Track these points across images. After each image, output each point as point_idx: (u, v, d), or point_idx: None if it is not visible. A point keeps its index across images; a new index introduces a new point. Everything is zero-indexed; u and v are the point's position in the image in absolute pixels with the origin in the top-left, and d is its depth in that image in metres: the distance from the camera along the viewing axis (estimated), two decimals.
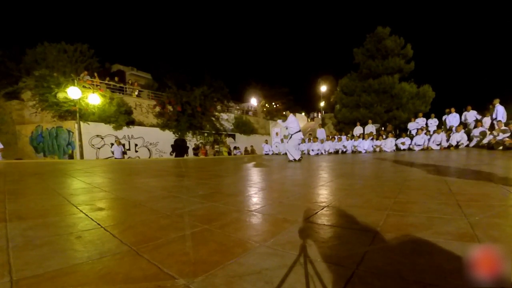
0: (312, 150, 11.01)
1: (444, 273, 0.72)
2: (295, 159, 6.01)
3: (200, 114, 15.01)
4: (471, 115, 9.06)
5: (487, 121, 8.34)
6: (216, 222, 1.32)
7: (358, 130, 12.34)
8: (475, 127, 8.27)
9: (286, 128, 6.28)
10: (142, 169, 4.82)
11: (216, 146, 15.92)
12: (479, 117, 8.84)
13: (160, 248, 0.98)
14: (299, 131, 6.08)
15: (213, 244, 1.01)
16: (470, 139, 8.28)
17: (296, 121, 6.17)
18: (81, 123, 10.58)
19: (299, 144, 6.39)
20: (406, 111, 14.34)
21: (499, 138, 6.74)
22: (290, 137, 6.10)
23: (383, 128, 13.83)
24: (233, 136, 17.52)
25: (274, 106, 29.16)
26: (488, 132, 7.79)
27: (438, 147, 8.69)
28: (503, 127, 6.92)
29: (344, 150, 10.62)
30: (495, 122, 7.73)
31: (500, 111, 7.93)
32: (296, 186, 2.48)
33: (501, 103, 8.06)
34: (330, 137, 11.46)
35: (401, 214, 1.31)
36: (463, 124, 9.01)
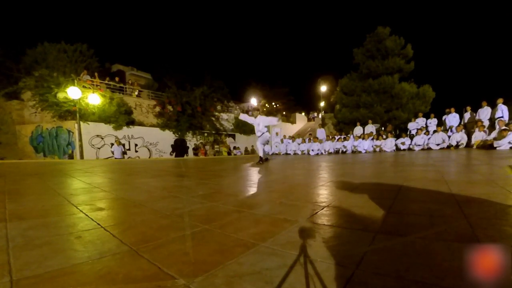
0: (312, 150, 11.02)
1: (444, 273, 0.72)
2: (261, 158, 5.84)
3: (200, 114, 15.01)
4: (484, 112, 8.65)
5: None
6: (216, 222, 1.32)
7: (358, 130, 12.35)
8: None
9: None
10: (142, 169, 4.82)
11: (216, 146, 15.93)
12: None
13: (160, 248, 0.98)
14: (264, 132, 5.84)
15: (213, 244, 1.01)
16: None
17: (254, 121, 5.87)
18: (81, 123, 10.58)
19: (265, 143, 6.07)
20: (406, 111, 14.33)
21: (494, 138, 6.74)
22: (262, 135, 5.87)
23: (383, 128, 13.83)
24: (233, 136, 17.52)
25: (274, 106, 29.16)
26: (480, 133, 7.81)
27: (438, 147, 8.69)
28: (504, 127, 6.93)
29: (344, 150, 10.62)
30: (496, 121, 7.74)
31: (503, 110, 7.93)
32: (296, 186, 2.48)
33: (502, 103, 8.07)
34: (330, 137, 11.47)
35: (401, 214, 1.31)
36: (463, 125, 9.00)
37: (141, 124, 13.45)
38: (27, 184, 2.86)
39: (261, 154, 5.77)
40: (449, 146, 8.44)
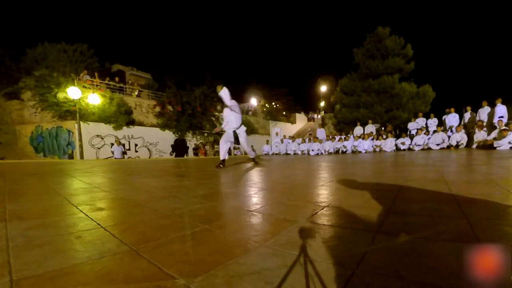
0: (312, 150, 11.02)
1: (444, 273, 0.72)
2: (254, 159, 5.41)
3: (200, 114, 15.03)
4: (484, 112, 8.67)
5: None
6: (216, 222, 1.32)
7: (358, 130, 12.35)
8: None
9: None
10: (142, 169, 4.82)
11: (216, 146, 15.93)
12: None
13: (160, 248, 0.98)
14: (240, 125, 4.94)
15: (213, 244, 1.01)
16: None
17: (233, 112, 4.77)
18: (81, 123, 10.59)
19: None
20: (406, 111, 14.35)
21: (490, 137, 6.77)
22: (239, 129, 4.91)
23: (383, 128, 13.83)
24: None
25: (274, 106, 29.17)
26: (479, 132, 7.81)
27: (438, 147, 8.69)
28: (504, 127, 6.93)
29: (344, 150, 10.62)
30: (495, 121, 7.74)
31: (502, 111, 7.93)
32: (296, 186, 2.48)
33: (501, 103, 8.07)
34: (330, 137, 11.47)
35: (401, 214, 1.31)
36: (463, 125, 9.00)
37: (141, 124, 13.47)
38: (27, 184, 2.86)
39: (223, 155, 4.73)
40: (449, 146, 8.44)
